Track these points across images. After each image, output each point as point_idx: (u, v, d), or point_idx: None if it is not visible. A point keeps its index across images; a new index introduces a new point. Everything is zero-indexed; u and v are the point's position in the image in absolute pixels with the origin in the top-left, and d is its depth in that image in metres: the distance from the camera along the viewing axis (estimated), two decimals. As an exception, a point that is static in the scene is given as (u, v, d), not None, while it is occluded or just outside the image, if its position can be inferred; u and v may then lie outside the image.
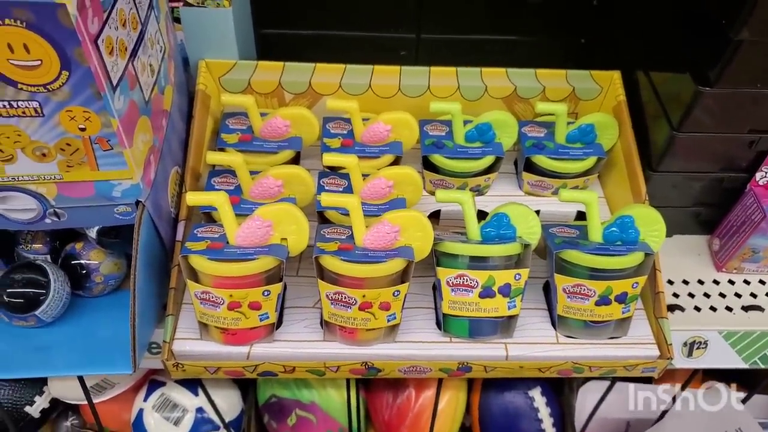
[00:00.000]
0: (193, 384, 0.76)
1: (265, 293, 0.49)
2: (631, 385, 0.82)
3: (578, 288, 0.52)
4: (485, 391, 0.80)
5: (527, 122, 0.64)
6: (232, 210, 0.50)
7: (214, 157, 0.53)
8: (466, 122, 0.62)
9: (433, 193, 0.61)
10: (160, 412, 0.74)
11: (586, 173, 0.62)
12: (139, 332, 0.49)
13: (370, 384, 0.78)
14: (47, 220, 0.50)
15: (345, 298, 0.49)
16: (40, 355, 0.51)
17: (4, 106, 0.42)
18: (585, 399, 0.82)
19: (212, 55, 0.62)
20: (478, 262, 0.52)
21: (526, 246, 0.52)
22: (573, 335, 0.55)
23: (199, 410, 0.75)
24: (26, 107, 0.42)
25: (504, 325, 0.54)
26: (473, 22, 0.69)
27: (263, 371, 0.52)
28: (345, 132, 0.62)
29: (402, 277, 0.50)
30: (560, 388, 0.80)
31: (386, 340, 0.53)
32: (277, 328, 0.54)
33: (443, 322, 0.53)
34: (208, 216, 0.56)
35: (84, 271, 0.55)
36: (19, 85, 0.40)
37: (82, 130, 0.44)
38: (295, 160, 0.61)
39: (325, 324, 0.52)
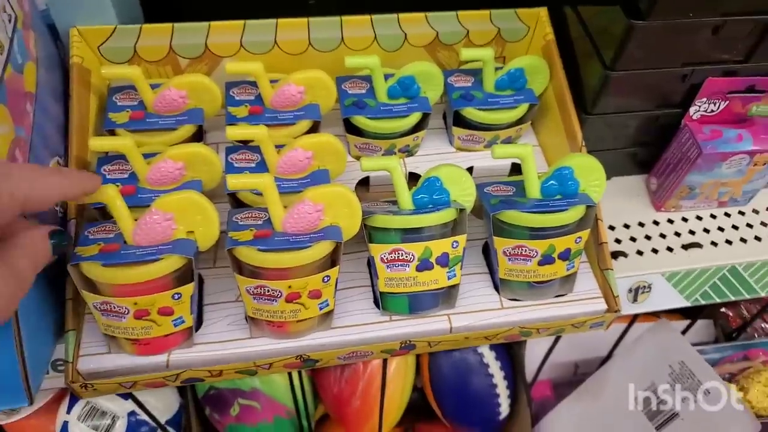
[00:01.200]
0: (120, 387, 0.70)
1: (176, 296, 0.43)
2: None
3: (519, 249, 0.49)
4: (434, 353, 0.78)
5: (453, 71, 0.59)
6: (124, 204, 0.42)
7: (98, 143, 0.46)
8: (387, 76, 0.57)
9: (359, 159, 0.55)
10: (87, 422, 0.68)
11: (519, 122, 0.58)
12: (31, 355, 0.42)
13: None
14: None
15: (268, 291, 0.44)
16: None
17: None
18: (534, 347, 0.81)
19: (86, 21, 0.53)
20: (412, 234, 0.47)
21: (461, 211, 0.48)
22: (517, 297, 0.52)
23: (132, 414, 0.69)
24: None
25: (445, 296, 0.50)
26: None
27: (187, 378, 0.47)
28: (252, 98, 0.55)
29: (331, 260, 0.45)
30: (509, 344, 0.79)
31: (321, 328, 0.48)
32: (197, 330, 0.48)
33: (381, 301, 0.49)
34: (102, 211, 0.49)
35: None
36: None
37: None
38: (198, 136, 0.54)
39: (250, 319, 0.47)
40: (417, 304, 0.49)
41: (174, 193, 0.43)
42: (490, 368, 0.76)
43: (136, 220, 0.43)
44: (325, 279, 0.45)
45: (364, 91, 0.57)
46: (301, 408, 0.75)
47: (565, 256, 0.49)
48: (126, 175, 0.48)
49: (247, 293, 0.44)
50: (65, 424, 0.69)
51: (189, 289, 0.44)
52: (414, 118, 0.56)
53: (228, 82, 0.55)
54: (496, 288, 0.52)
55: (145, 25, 0.54)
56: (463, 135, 0.58)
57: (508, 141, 0.60)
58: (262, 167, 0.50)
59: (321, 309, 0.46)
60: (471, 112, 0.57)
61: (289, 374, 0.72)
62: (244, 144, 0.52)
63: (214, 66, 0.58)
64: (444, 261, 0.48)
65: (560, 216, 0.48)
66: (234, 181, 0.44)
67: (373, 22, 0.58)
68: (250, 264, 0.43)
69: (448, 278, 0.49)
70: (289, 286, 0.44)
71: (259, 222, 0.45)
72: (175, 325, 0.45)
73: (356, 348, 0.48)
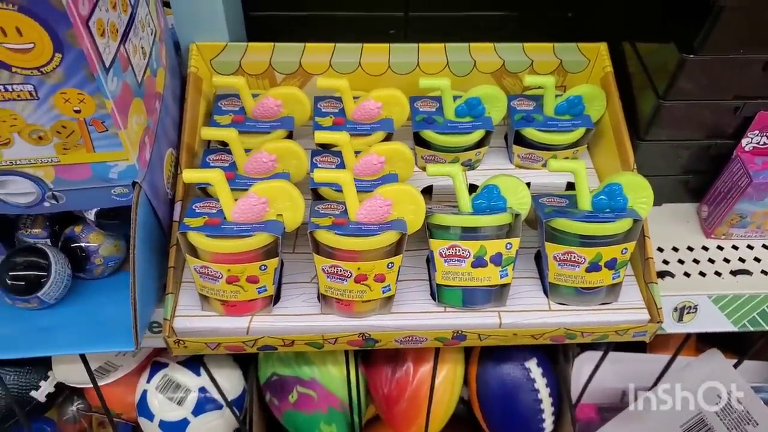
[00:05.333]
0: (195, 364, 0.77)
1: (262, 267, 0.50)
2: (626, 355, 0.84)
3: (568, 255, 0.53)
4: (482, 364, 0.81)
5: (516, 96, 0.65)
6: (228, 187, 0.50)
7: (209, 132, 0.54)
8: (455, 98, 0.63)
9: (424, 169, 0.62)
10: (164, 393, 0.76)
11: (575, 144, 0.63)
12: (140, 310, 0.50)
13: (370, 359, 0.80)
14: (46, 204, 0.51)
15: (340, 271, 0.50)
16: (44, 335, 0.52)
17: (1, 90, 0.42)
18: (581, 369, 0.83)
19: (203, 38, 0.63)
20: (469, 233, 0.53)
21: (516, 216, 0.53)
22: (565, 302, 0.56)
23: (202, 390, 0.76)
24: (21, 90, 0.43)
25: (497, 294, 0.55)
26: (460, -1, 0.69)
27: (263, 345, 0.54)
28: (336, 110, 0.63)
29: (396, 249, 0.51)
30: (556, 359, 0.81)
31: (382, 311, 0.54)
32: (275, 303, 0.55)
33: (437, 293, 0.55)
34: (204, 194, 0.57)
35: (84, 254, 0.56)
36: (13, 69, 0.41)
37: (77, 112, 0.44)
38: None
39: (322, 297, 0.53)
40: (470, 298, 0.54)
41: (270, 181, 0.51)
42: (537, 383, 0.79)
43: (235, 200, 0.51)
44: (389, 265, 0.51)
45: (433, 110, 0.64)
46: (354, 403, 0.80)
47: (612, 265, 0.53)
48: (227, 164, 0.56)
49: (322, 272, 0.51)
50: (144, 393, 0.77)
51: (274, 262, 0.51)
52: (477, 135, 0.62)
53: (317, 97, 0.63)
54: (546, 292, 0.57)
55: (251, 44, 0.64)
56: (522, 153, 0.64)
57: (565, 162, 0.65)
58: (341, 169, 0.57)
59: (384, 292, 0.52)
60: (531, 132, 0.62)
61: (347, 370, 0.77)
62: (326, 149, 0.60)
63: (305, 82, 0.66)
64: (497, 260, 0.53)
65: (608, 226, 0.52)
66: (319, 175, 0.51)
67: (447, 50, 0.65)
68: (327, 245, 0.50)
69: (501, 277, 0.53)
70: (358, 268, 0.50)
71: (337, 212, 0.52)
72: (259, 293, 0.52)
73: (413, 333, 0.54)
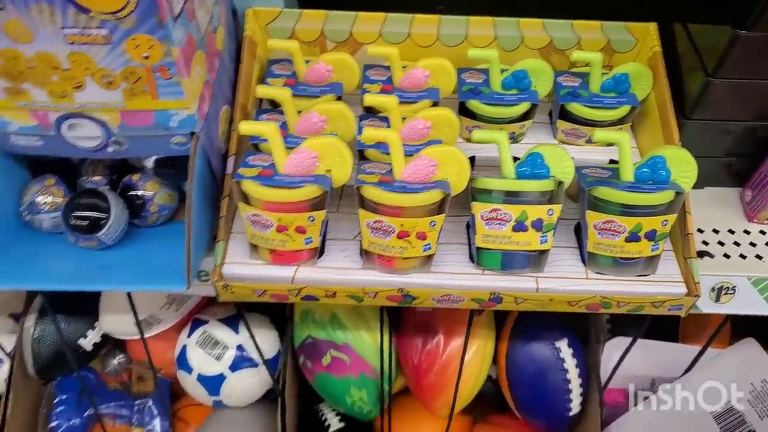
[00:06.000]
0: (234, 322, 0.80)
1: (310, 219, 0.53)
2: (657, 343, 0.84)
3: (609, 224, 0.54)
4: (513, 342, 0.82)
5: (562, 72, 0.66)
6: (281, 140, 0.53)
7: (264, 90, 0.57)
8: (502, 71, 0.64)
9: (469, 140, 0.63)
10: (203, 348, 0.79)
11: (620, 122, 0.64)
12: (192, 255, 0.52)
13: (401, 329, 0.81)
14: (109, 149, 0.54)
15: (384, 226, 0.52)
16: (103, 272, 0.55)
17: (77, 34, 0.45)
18: (611, 354, 0.84)
19: (259, 3, 0.65)
20: (512, 198, 0.54)
21: (559, 183, 0.54)
22: (602, 272, 0.57)
23: (239, 347, 0.79)
24: (96, 35, 0.45)
25: (535, 259, 0.56)
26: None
27: (306, 295, 0.56)
28: (384, 78, 0.65)
29: (438, 209, 0.53)
30: (586, 341, 0.82)
31: (422, 269, 0.56)
32: (319, 257, 0.57)
33: (476, 255, 0.56)
34: (256, 147, 0.60)
35: (140, 201, 0.59)
36: (91, 13, 0.44)
37: (146, 58, 0.47)
38: (337, 105, 0.64)
39: (364, 253, 0.55)
40: (509, 261, 0.56)
41: (321, 136, 0.53)
42: (566, 364, 0.80)
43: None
44: (432, 224, 0.52)
45: (480, 81, 0.65)
46: (386, 371, 0.81)
47: (651, 236, 0.54)
48: (279, 124, 0.58)
49: (366, 227, 0.53)
50: (184, 348, 0.80)
51: (321, 215, 0.53)
52: (523, 107, 0.63)
53: (366, 65, 0.65)
54: (584, 262, 0.57)
55: (305, 10, 0.66)
56: (566, 128, 0.65)
57: (608, 140, 0.65)
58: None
59: (425, 250, 0.54)
60: (576, 107, 0.63)
61: (380, 337, 0.79)
62: (373, 114, 0.62)
63: (355, 51, 0.68)
64: (538, 225, 0.54)
65: (650, 196, 0.53)
66: (367, 134, 0.53)
67: (496, 24, 0.66)
68: (372, 200, 0.52)
69: (540, 242, 0.55)
70: (402, 224, 0.52)
71: (383, 171, 0.54)
72: (306, 243, 0.54)
73: (450, 292, 0.55)
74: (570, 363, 0.80)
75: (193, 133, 0.53)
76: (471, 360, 0.81)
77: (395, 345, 0.84)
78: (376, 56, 0.63)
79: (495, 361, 0.85)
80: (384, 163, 0.55)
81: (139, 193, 0.58)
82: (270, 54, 0.67)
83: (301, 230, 0.53)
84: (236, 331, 0.79)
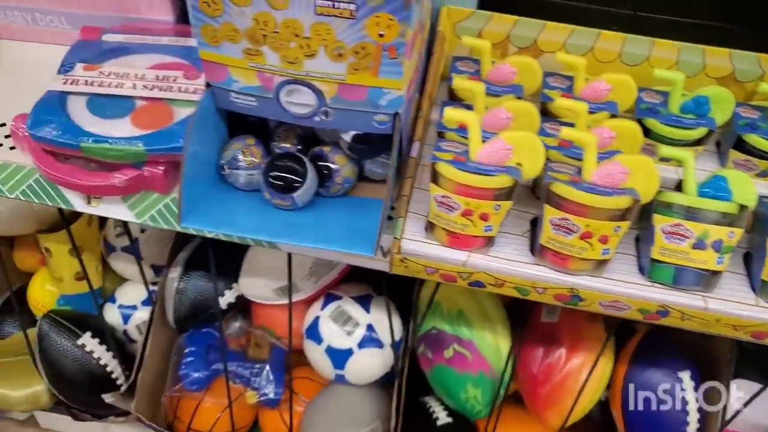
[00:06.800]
0: (366, 302, 0.84)
1: (496, 207, 0.55)
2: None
3: (792, 256, 0.54)
4: (632, 366, 0.82)
5: (743, 104, 0.66)
6: (480, 128, 0.56)
7: (461, 82, 0.60)
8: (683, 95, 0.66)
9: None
10: (336, 323, 0.82)
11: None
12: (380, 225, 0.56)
13: (524, 335, 0.82)
14: (316, 118, 0.58)
15: (569, 224, 0.54)
16: (292, 229, 0.59)
17: (328, 6, 0.49)
18: (732, 393, 0.82)
19: (454, 3, 0.69)
20: (692, 214, 0.55)
21: (743, 207, 0.55)
22: (775, 303, 0.57)
23: (369, 327, 0.82)
24: (344, 8, 0.49)
25: (706, 279, 0.56)
26: (695, 5, 0.71)
27: (475, 280, 0.58)
28: (564, 87, 0.67)
29: (623, 216, 0.54)
30: (708, 376, 0.80)
31: (594, 273, 0.57)
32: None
33: (650, 268, 0.57)
34: (440, 135, 0.63)
35: (327, 171, 0.62)
36: None
37: (381, 36, 0.51)
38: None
39: (539, 248, 0.57)
40: (682, 277, 0.56)
41: (519, 130, 0.56)
42: (687, 395, 0.79)
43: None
44: (616, 229, 0.54)
45: (658, 102, 0.66)
46: (504, 374, 0.83)
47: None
48: (468, 116, 0.62)
49: (549, 223, 0.55)
50: (317, 319, 0.84)
51: (507, 205, 0.55)
52: (699, 132, 0.64)
53: (546, 72, 0.68)
54: (754, 290, 0.57)
55: (496, 14, 0.69)
56: (738, 159, 0.65)
57: (779, 175, 0.65)
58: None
59: (603, 254, 0.55)
60: (755, 139, 0.63)
61: (512, 341, 0.81)
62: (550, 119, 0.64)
63: (535, 57, 0.70)
64: (717, 246, 0.55)
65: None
66: (570, 134, 0.55)
67: (681, 49, 0.67)
68: (561, 197, 0.54)
69: (717, 263, 0.55)
70: (587, 225, 0.54)
71: (572, 172, 0.56)
72: (485, 231, 0.56)
73: (620, 299, 0.57)
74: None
75: (396, 114, 0.56)
76: (591, 378, 0.81)
77: (515, 355, 0.85)
78: (562, 64, 0.65)
79: (609, 384, 0.85)
80: (569, 164, 0.57)
81: (329, 164, 0.62)
82: (453, 51, 0.71)
83: (484, 217, 0.56)
84: (368, 310, 0.83)
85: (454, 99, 0.67)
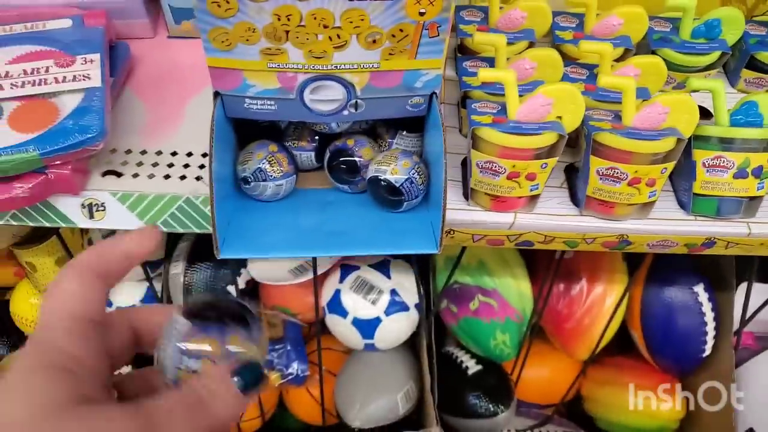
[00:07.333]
0: (385, 268, 0.82)
1: (543, 166, 0.53)
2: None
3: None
4: (648, 287, 0.85)
5: (748, 20, 0.66)
6: (517, 86, 0.53)
7: (482, 38, 0.57)
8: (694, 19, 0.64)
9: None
10: (358, 293, 0.81)
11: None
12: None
13: (539, 274, 0.83)
14: (345, 112, 0.53)
15: (618, 173, 0.53)
16: (339, 239, 0.54)
17: None
18: (739, 299, 0.87)
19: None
20: (729, 144, 0.55)
21: (776, 132, 0.55)
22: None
23: (393, 292, 0.81)
24: None
25: (747, 205, 0.58)
26: None
27: (523, 240, 0.58)
28: (574, 25, 0.65)
29: (668, 155, 0.54)
30: (719, 286, 0.85)
31: (639, 216, 0.57)
32: (530, 204, 0.58)
33: (692, 202, 0.57)
34: (463, 101, 0.60)
35: (353, 166, 0.57)
36: None
37: (422, 14, 0.46)
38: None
39: (586, 198, 0.56)
40: (725, 207, 0.57)
41: (558, 83, 0.53)
42: (703, 307, 0.83)
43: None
44: (663, 171, 0.54)
45: (668, 30, 0.65)
46: (528, 315, 0.84)
47: None
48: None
49: (596, 174, 0.54)
50: (337, 292, 0.82)
51: (553, 161, 0.54)
52: (714, 56, 0.63)
53: (555, 11, 0.65)
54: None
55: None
56: (750, 77, 0.66)
57: (784, 89, 0.67)
58: (591, 80, 0.59)
59: (650, 197, 0.55)
60: (767, 57, 0.63)
61: (541, 285, 0.81)
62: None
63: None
64: (758, 173, 0.55)
65: None
66: (610, 81, 0.53)
67: (685, -30, 0.66)
68: (607, 145, 0.53)
69: (758, 189, 0.56)
70: (636, 171, 0.53)
71: (609, 118, 0.55)
72: (531, 190, 0.55)
73: (667, 237, 0.57)
74: (707, 306, 0.83)
75: (434, 93, 0.52)
76: (612, 305, 0.84)
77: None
78: (572, 3, 0.63)
79: (626, 307, 0.88)
80: (604, 110, 0.56)
81: (355, 158, 0.58)
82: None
83: (531, 177, 0.54)
84: (388, 276, 0.81)
85: (466, 53, 0.64)
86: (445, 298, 0.85)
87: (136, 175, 0.58)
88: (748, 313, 0.83)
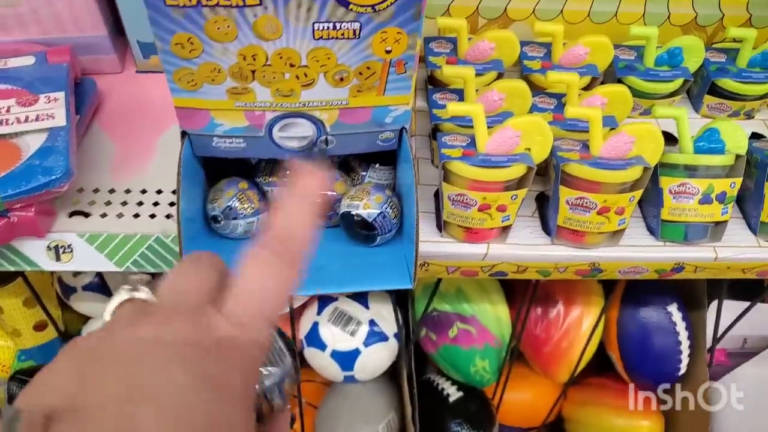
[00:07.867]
0: (363, 298, 0.82)
1: (513, 197, 0.54)
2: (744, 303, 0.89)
3: (787, 196, 0.57)
4: (624, 308, 0.86)
5: (708, 48, 0.68)
6: (485, 120, 0.53)
7: (450, 71, 0.57)
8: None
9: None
10: (337, 325, 0.80)
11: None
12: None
13: (516, 300, 0.84)
14: (315, 148, 0.53)
15: (586, 203, 0.54)
16: (318, 275, 0.54)
17: (327, 28, 0.43)
18: (711, 316, 0.88)
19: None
20: (693, 171, 0.56)
21: (738, 158, 0.56)
22: (772, 240, 0.60)
23: (371, 322, 0.80)
24: (346, 29, 0.43)
25: (714, 230, 0.59)
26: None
27: (497, 271, 0.58)
28: (541, 55, 0.66)
29: (635, 184, 0.55)
30: (691, 305, 0.86)
31: (610, 243, 0.58)
32: (504, 235, 0.58)
33: (660, 229, 0.58)
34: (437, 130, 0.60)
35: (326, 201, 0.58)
36: (350, 6, 0.42)
37: (388, 52, 0.46)
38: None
39: (557, 228, 0.57)
40: (692, 233, 0.58)
41: (525, 116, 0.54)
42: (677, 327, 0.84)
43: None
44: (631, 199, 0.54)
45: (633, 58, 0.66)
46: (507, 340, 0.84)
47: (825, 206, 0.57)
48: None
49: (566, 203, 0.55)
50: (315, 324, 0.81)
51: (523, 193, 0.54)
52: (677, 83, 0.65)
53: (522, 41, 0.66)
54: (754, 232, 0.60)
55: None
56: (713, 103, 0.67)
57: (749, 114, 0.68)
58: (559, 110, 0.60)
59: (619, 225, 0.56)
60: (726, 83, 0.65)
61: (518, 310, 0.82)
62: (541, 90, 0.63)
63: (505, 27, 0.68)
64: (722, 198, 0.56)
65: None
66: (575, 111, 0.54)
67: (646, 2, 0.67)
68: (576, 176, 0.53)
69: (722, 214, 0.57)
70: (605, 201, 0.54)
71: (577, 148, 0.55)
72: (503, 221, 0.55)
73: (637, 264, 0.58)
74: (681, 326, 0.84)
75: (404, 129, 0.53)
76: (589, 327, 0.84)
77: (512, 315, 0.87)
78: (539, 34, 0.64)
79: (603, 329, 0.89)
80: (571, 140, 0.57)
81: (327, 193, 0.57)
82: (424, 32, 0.67)
83: (502, 209, 0.54)
84: (366, 306, 0.81)
85: (436, 84, 0.65)
86: (424, 326, 0.85)
87: (104, 215, 0.57)
88: (720, 331, 0.84)
